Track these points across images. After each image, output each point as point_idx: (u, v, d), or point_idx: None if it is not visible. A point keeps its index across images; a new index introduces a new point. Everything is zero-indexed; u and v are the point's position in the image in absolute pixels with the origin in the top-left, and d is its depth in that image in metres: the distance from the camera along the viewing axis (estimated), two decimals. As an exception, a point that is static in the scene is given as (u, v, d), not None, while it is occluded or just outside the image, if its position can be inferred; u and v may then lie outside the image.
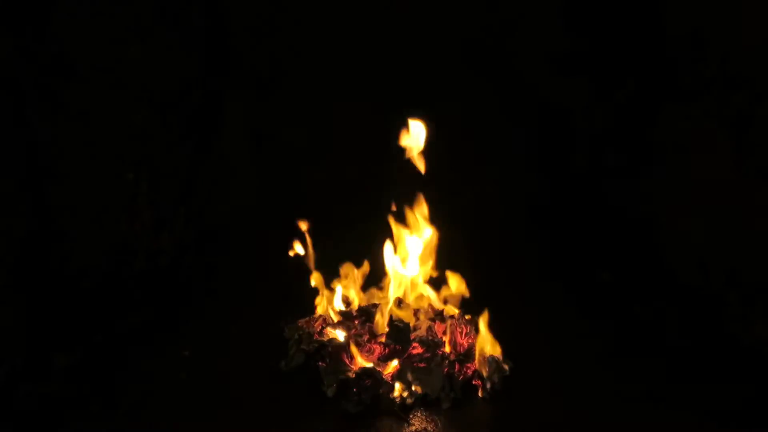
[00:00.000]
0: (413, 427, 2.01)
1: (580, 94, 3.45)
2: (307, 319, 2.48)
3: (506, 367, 2.25)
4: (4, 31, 2.08)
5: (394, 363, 2.22)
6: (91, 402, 2.09)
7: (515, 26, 3.57)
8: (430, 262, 2.55)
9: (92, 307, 2.51)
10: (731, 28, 2.47)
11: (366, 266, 2.64)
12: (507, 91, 3.60)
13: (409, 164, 2.50)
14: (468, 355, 2.27)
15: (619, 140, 3.23)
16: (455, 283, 2.56)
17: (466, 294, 2.54)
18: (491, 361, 2.22)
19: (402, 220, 2.56)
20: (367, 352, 2.25)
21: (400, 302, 2.39)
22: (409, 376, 2.14)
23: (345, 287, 2.60)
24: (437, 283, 2.60)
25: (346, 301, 2.59)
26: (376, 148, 2.83)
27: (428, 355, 2.20)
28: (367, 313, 2.41)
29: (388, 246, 2.49)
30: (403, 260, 2.53)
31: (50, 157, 2.30)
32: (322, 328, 2.38)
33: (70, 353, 2.34)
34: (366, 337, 2.28)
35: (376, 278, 2.66)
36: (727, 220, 2.49)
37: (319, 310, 2.57)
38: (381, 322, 2.33)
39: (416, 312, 2.44)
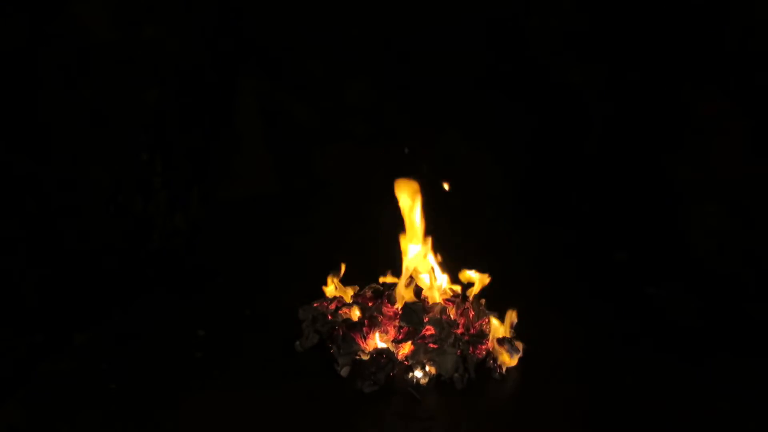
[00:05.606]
0: (427, 408, 2.02)
1: (595, 74, 3.40)
2: (322, 300, 2.49)
3: (520, 347, 2.25)
4: (20, 11, 2.08)
5: (408, 344, 2.23)
6: (106, 380, 2.11)
7: (530, 6, 3.53)
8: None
9: (108, 285, 2.53)
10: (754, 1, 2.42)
11: None
12: (520, 73, 3.57)
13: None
14: (481, 336, 2.27)
15: (633, 122, 3.20)
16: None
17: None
18: (505, 342, 2.23)
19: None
20: (381, 333, 2.26)
21: (414, 285, 2.39)
22: (423, 357, 2.16)
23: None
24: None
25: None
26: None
27: (442, 336, 2.21)
28: (380, 294, 2.41)
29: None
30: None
31: (65, 136, 2.31)
32: (337, 309, 2.39)
33: (86, 331, 2.36)
34: (380, 318, 2.28)
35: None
36: (745, 200, 2.47)
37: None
38: (399, 297, 2.34)
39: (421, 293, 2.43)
